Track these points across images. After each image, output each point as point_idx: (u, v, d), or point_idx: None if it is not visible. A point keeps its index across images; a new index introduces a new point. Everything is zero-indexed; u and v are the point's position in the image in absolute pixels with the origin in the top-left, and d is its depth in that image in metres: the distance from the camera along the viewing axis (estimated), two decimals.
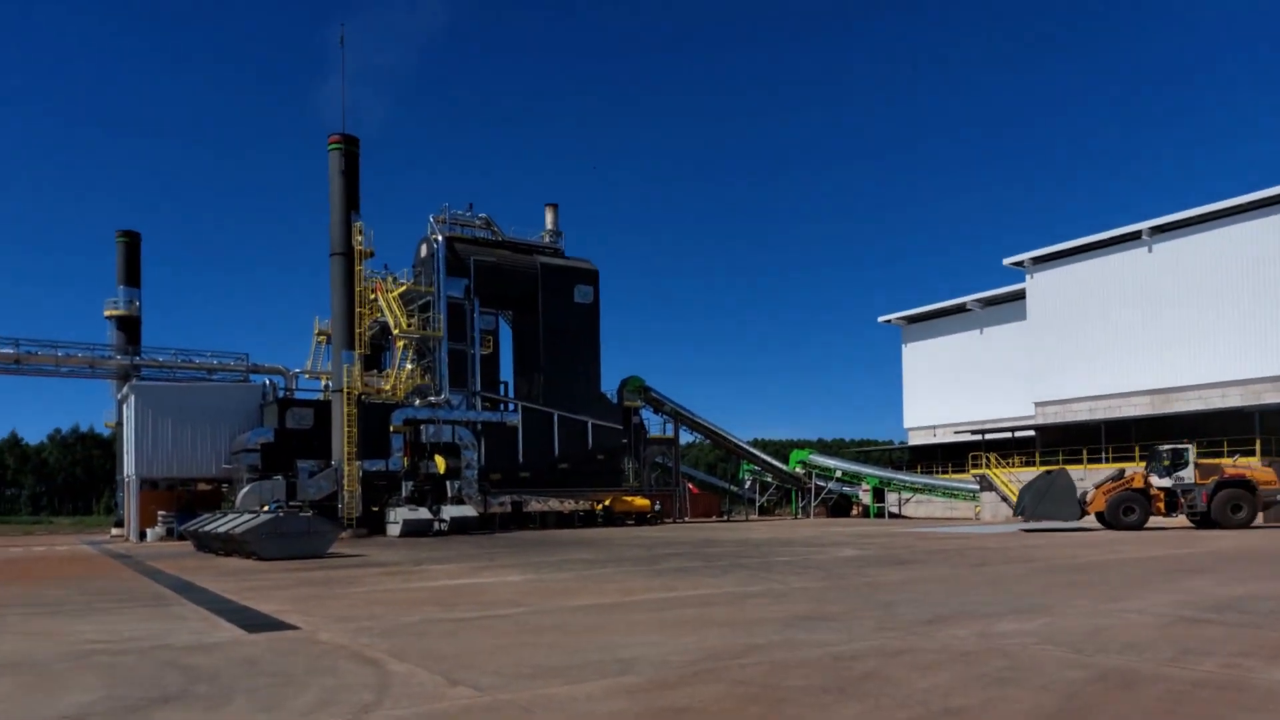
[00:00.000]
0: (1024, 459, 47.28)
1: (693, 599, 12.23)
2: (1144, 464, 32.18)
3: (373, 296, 41.68)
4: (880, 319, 65.50)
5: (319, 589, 15.02)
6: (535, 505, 45.13)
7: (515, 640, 8.88)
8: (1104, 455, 42.16)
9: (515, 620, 10.44)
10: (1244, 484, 29.29)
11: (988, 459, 47.88)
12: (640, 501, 48.16)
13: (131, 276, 53.42)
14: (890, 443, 70.64)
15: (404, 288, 43.76)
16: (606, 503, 47.48)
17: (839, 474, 56.62)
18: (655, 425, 54.48)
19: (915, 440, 62.91)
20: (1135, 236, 45.76)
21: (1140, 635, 8.37)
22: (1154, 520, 30.57)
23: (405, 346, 43.12)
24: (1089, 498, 30.19)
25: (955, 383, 59.26)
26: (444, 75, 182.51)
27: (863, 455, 67.44)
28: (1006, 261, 52.24)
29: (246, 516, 26.01)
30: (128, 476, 44.06)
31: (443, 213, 46.90)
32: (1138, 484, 29.99)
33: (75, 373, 47.38)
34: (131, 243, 53.93)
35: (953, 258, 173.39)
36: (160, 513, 41.90)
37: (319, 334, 49.87)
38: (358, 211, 40.65)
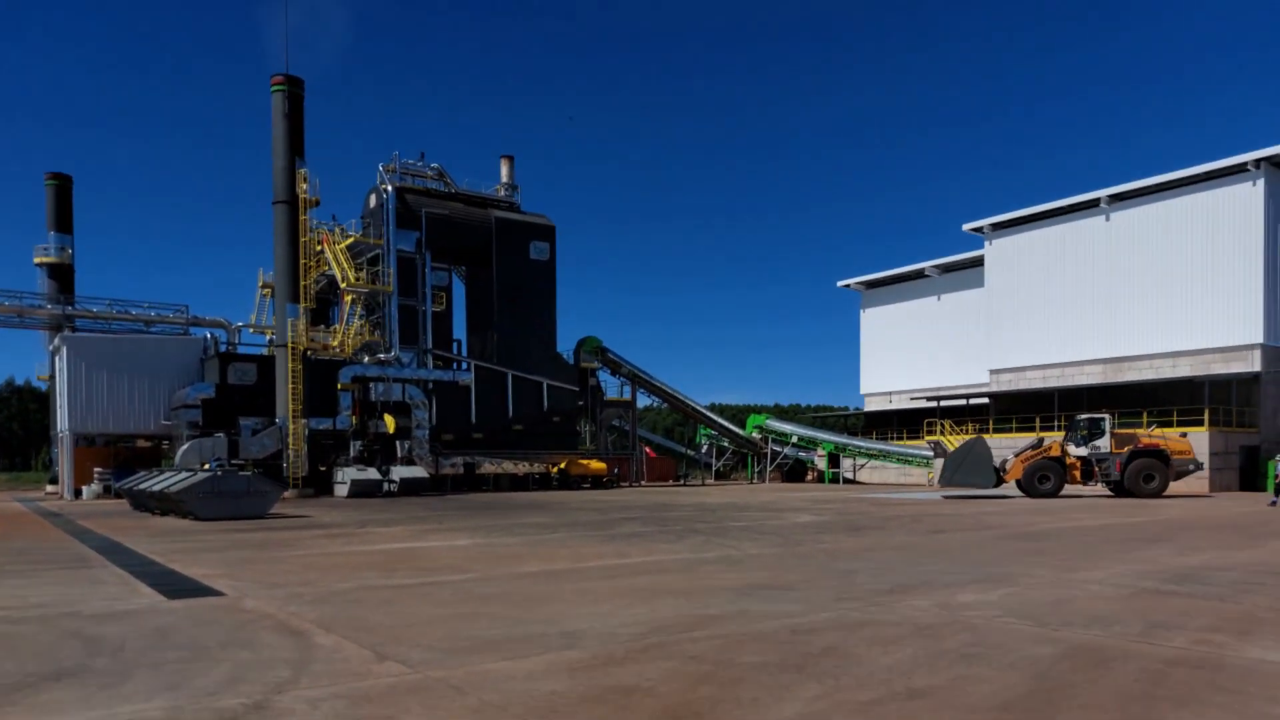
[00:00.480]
0: (978, 426, 47.87)
1: (646, 566, 11.82)
2: (1063, 433, 32.65)
3: (319, 248, 40.13)
4: (840, 284, 65.38)
5: (253, 552, 14.31)
6: (488, 467, 44.43)
7: (455, 610, 8.34)
8: (1056, 423, 42.78)
9: (457, 588, 9.90)
10: (1157, 454, 29.91)
11: (942, 426, 48.46)
12: (596, 465, 47.75)
13: (63, 222, 50.84)
14: (846, 409, 71.29)
15: (352, 239, 42.22)
16: (562, 465, 46.97)
17: (795, 439, 56.88)
18: (612, 388, 53.97)
19: (871, 406, 63.43)
20: (1094, 204, 45.80)
21: (1105, 608, 8.15)
22: (1070, 489, 30.97)
23: (353, 301, 41.78)
24: (1008, 465, 30.58)
25: (912, 349, 59.55)
26: (398, 16, 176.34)
27: (819, 421, 67.88)
28: (966, 227, 52.08)
29: (184, 474, 24.99)
30: (61, 432, 42.28)
31: (393, 162, 45.10)
32: (1055, 453, 30.36)
33: (3, 322, 45.07)
34: (62, 186, 51.19)
35: (914, 223, 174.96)
36: (97, 470, 40.45)
37: (263, 286, 48.06)
38: (302, 157, 38.85)
